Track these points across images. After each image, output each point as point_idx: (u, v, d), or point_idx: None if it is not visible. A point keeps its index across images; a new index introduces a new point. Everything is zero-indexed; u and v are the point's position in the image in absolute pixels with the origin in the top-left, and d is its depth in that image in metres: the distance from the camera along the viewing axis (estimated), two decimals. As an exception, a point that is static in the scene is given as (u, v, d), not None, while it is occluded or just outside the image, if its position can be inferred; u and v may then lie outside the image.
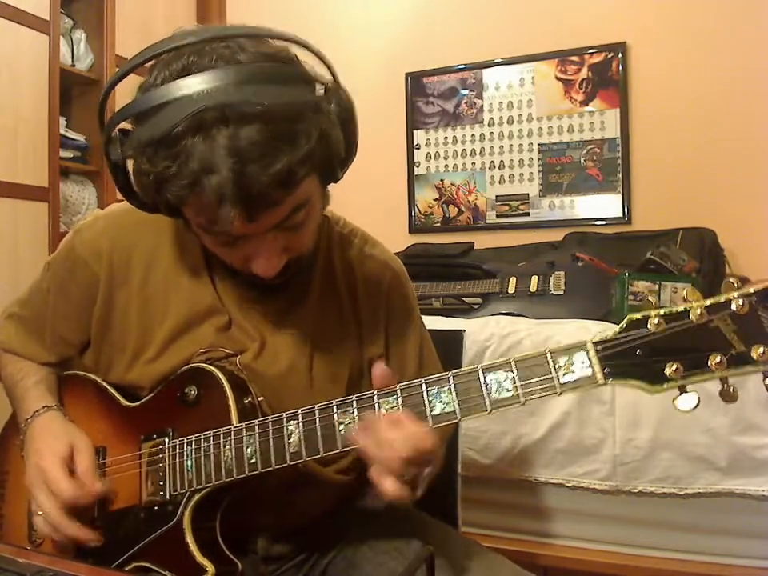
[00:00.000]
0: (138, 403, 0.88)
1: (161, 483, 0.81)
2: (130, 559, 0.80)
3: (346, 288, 0.93)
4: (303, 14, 3.33)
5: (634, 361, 0.63)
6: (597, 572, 1.74)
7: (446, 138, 3.17)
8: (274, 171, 0.64)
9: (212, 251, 0.81)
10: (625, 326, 0.64)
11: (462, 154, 3.14)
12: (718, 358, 0.60)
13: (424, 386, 0.70)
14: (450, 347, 1.15)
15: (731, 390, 0.62)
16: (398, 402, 0.70)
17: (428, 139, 3.21)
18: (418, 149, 3.23)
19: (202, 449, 0.79)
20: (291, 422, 0.74)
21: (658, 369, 0.62)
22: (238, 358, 0.86)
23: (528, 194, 3.02)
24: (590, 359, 0.64)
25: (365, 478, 0.72)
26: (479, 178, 3.11)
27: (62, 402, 0.93)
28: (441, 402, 0.69)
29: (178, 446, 0.81)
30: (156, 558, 0.79)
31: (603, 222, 2.88)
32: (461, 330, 1.24)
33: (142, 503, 0.82)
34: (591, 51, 2.90)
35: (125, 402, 0.89)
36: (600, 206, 2.89)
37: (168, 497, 0.80)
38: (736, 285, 0.60)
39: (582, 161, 2.92)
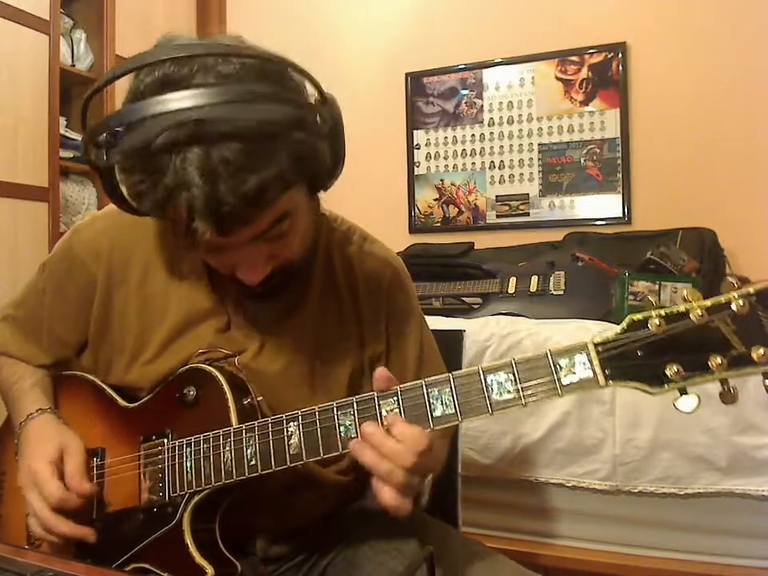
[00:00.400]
0: (136, 404, 0.88)
1: (160, 484, 0.81)
2: (129, 560, 0.80)
3: (346, 286, 0.93)
4: (303, 13, 3.33)
5: (634, 362, 0.63)
6: (597, 572, 1.74)
7: (445, 138, 3.17)
8: (243, 191, 0.64)
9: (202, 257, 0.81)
10: (625, 326, 0.64)
11: (461, 154, 3.14)
12: (719, 359, 0.60)
13: (424, 388, 0.69)
14: (450, 347, 1.15)
15: (731, 391, 0.61)
16: (398, 404, 0.70)
17: (428, 139, 3.21)
18: (418, 149, 3.23)
19: (202, 450, 0.79)
20: (291, 424, 0.74)
21: (658, 370, 0.62)
22: (236, 359, 0.86)
23: (528, 194, 3.02)
24: (590, 360, 0.64)
25: (364, 479, 0.72)
26: (479, 178, 3.11)
27: (61, 403, 0.93)
28: (441, 403, 0.69)
29: (177, 447, 0.81)
30: (155, 559, 0.79)
31: (603, 222, 2.88)
32: (461, 330, 1.24)
33: (142, 504, 0.82)
34: (591, 51, 2.90)
35: (124, 403, 0.89)
36: (600, 205, 2.89)
37: (167, 498, 0.80)
38: (736, 285, 0.60)
39: (582, 161, 2.92)
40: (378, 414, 0.71)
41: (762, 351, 0.59)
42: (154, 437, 0.84)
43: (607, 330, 0.64)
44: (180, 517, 0.78)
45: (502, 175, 3.06)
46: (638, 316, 0.63)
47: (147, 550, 0.80)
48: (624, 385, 0.63)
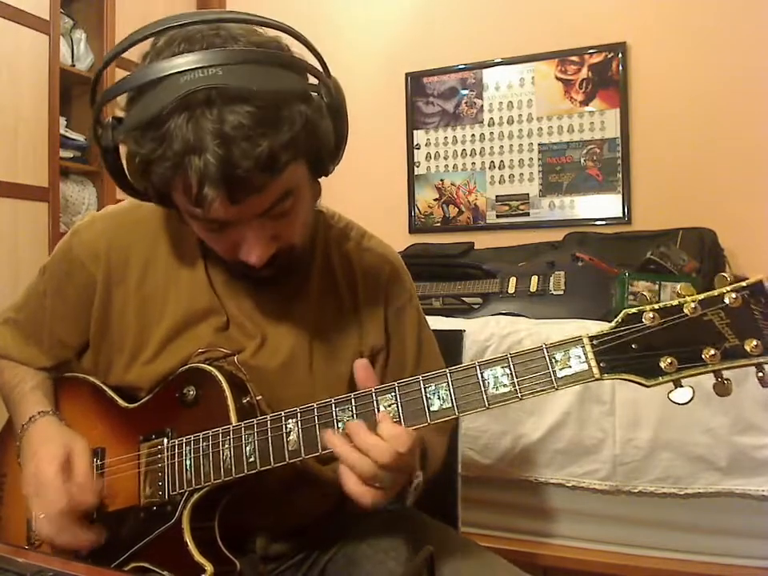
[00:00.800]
0: (136, 404, 0.88)
1: (160, 483, 0.81)
2: (128, 559, 0.80)
3: (345, 282, 0.93)
4: (303, 13, 3.33)
5: (629, 355, 0.63)
6: (597, 572, 1.75)
7: (445, 138, 3.17)
8: (256, 154, 0.64)
9: (204, 240, 0.81)
10: (620, 320, 0.64)
11: (462, 153, 3.14)
12: (712, 352, 0.61)
13: (422, 383, 0.70)
14: (450, 347, 1.15)
15: (725, 383, 0.62)
16: (396, 399, 0.70)
17: (428, 139, 3.21)
18: (418, 149, 3.23)
19: (201, 448, 0.79)
20: (290, 421, 0.74)
21: (653, 363, 0.63)
22: (236, 357, 0.86)
23: (528, 194, 3.02)
24: (585, 354, 0.65)
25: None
26: (479, 177, 3.11)
27: (61, 405, 0.93)
28: (439, 398, 0.69)
29: (176, 446, 0.81)
30: (155, 557, 0.79)
31: (603, 222, 2.88)
32: (461, 330, 1.24)
33: (141, 503, 0.82)
34: (591, 51, 2.90)
35: (123, 404, 0.89)
36: (600, 206, 2.89)
37: (167, 497, 0.80)
38: (729, 279, 0.61)
39: (582, 161, 2.92)
40: (376, 410, 0.71)
41: (754, 343, 0.60)
42: (153, 436, 0.84)
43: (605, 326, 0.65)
44: (179, 515, 0.78)
45: (501, 175, 3.07)
46: (633, 310, 0.64)
47: (147, 549, 0.80)
48: (619, 377, 0.64)
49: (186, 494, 0.79)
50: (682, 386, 0.63)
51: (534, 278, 2.31)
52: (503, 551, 0.92)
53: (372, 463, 0.67)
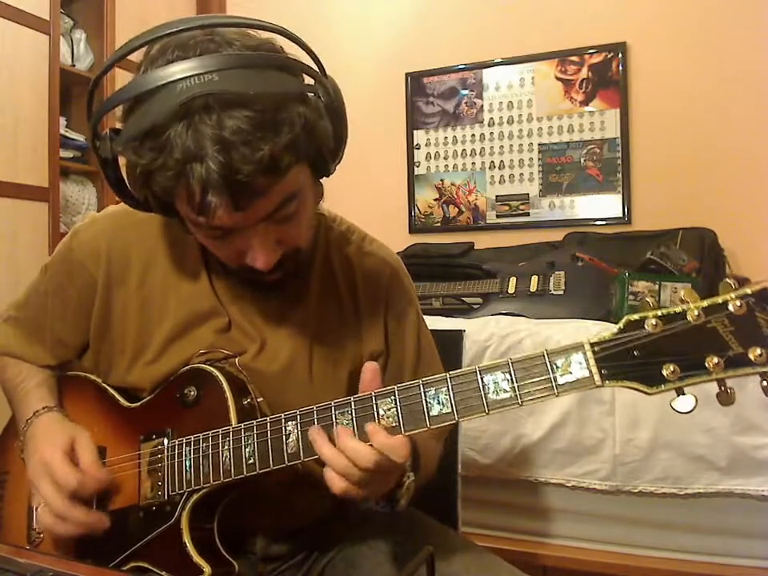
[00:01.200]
0: (137, 404, 0.88)
1: (159, 483, 0.81)
2: (127, 558, 0.80)
3: (345, 285, 0.93)
4: (303, 13, 3.33)
5: (631, 362, 0.63)
6: (597, 572, 1.75)
7: (445, 138, 3.17)
8: (257, 158, 0.64)
9: (207, 248, 0.81)
10: (622, 326, 0.63)
11: (461, 153, 3.14)
12: (716, 360, 0.60)
13: (422, 387, 0.69)
14: (449, 347, 1.15)
15: (728, 392, 0.61)
16: (395, 403, 0.70)
17: (428, 139, 3.21)
18: (418, 149, 3.23)
19: (201, 449, 0.79)
20: (289, 423, 0.74)
21: (655, 370, 0.62)
22: (237, 359, 0.86)
23: (528, 194, 3.02)
24: (587, 360, 0.64)
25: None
26: (479, 177, 3.11)
27: (63, 403, 0.93)
28: (438, 402, 0.68)
29: (177, 447, 0.81)
30: (153, 557, 0.79)
31: (603, 222, 2.88)
32: (461, 330, 1.24)
33: (141, 503, 0.82)
34: (591, 51, 2.90)
35: (124, 403, 0.89)
36: (600, 205, 2.89)
37: (166, 497, 0.80)
38: (733, 286, 0.60)
39: (582, 161, 2.92)
40: (376, 414, 0.71)
41: (759, 352, 0.58)
42: (154, 436, 0.84)
43: (607, 330, 0.64)
44: (179, 515, 0.78)
45: (502, 175, 3.07)
46: (635, 316, 0.63)
47: (146, 549, 0.80)
48: (620, 385, 0.63)
49: (186, 494, 0.79)
50: (684, 394, 0.62)
51: (534, 278, 2.31)
52: (503, 551, 0.92)
53: (352, 464, 0.68)
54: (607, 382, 0.63)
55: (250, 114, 0.64)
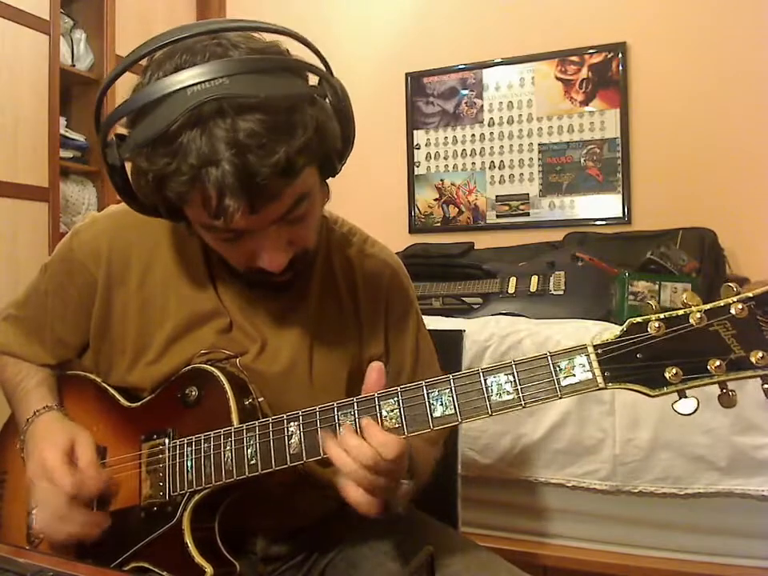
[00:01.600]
0: (138, 404, 0.88)
1: (160, 483, 0.81)
2: (128, 559, 0.80)
3: (346, 287, 0.93)
4: (303, 13, 3.33)
5: (634, 364, 0.63)
6: (597, 572, 1.75)
7: (445, 138, 3.17)
8: (273, 161, 0.64)
9: (216, 250, 0.80)
10: (625, 329, 0.64)
11: (461, 153, 3.14)
12: (717, 363, 0.60)
13: (425, 389, 0.69)
14: (450, 347, 1.15)
15: (730, 394, 0.62)
16: (398, 404, 0.70)
17: (428, 139, 3.21)
18: (418, 149, 3.23)
19: (202, 449, 0.79)
20: (292, 424, 0.74)
21: (657, 373, 0.62)
22: (238, 360, 0.86)
23: (528, 194, 3.02)
24: (590, 362, 0.64)
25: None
26: (479, 177, 3.11)
27: (63, 403, 0.93)
28: (441, 404, 0.69)
29: (178, 447, 0.81)
30: (155, 558, 0.79)
31: (603, 222, 2.88)
32: (461, 330, 1.24)
33: (142, 503, 0.82)
34: (591, 51, 2.90)
35: (125, 403, 0.89)
36: (600, 205, 2.90)
37: (167, 497, 0.80)
38: (735, 289, 0.60)
39: (582, 161, 2.92)
40: (379, 415, 0.71)
41: (760, 355, 0.59)
42: (155, 436, 0.84)
43: (607, 330, 0.64)
44: (180, 516, 0.78)
45: (502, 175, 3.07)
46: (638, 319, 0.63)
47: (147, 549, 0.80)
48: (623, 387, 0.64)
49: (187, 494, 0.79)
50: (686, 397, 0.62)
51: (534, 278, 2.31)
52: (503, 551, 0.92)
53: (357, 466, 0.68)
54: (610, 384, 0.64)
55: (264, 117, 0.64)
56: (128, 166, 0.72)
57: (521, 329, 1.90)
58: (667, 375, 0.62)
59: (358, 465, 0.68)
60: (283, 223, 0.73)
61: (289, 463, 0.74)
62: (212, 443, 0.78)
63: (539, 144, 2.99)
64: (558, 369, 0.65)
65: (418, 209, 3.24)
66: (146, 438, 0.85)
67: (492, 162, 3.08)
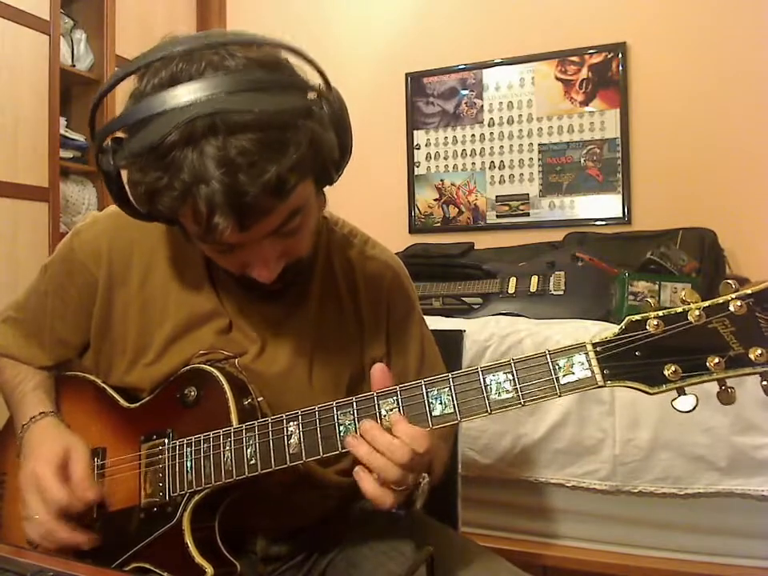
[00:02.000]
0: (137, 404, 0.88)
1: (160, 484, 0.81)
2: (129, 560, 0.80)
3: (346, 289, 0.93)
4: (303, 13, 3.33)
5: (633, 362, 0.63)
6: (597, 572, 1.75)
7: (446, 138, 3.17)
8: (264, 180, 0.64)
9: (212, 259, 0.81)
10: (624, 327, 0.64)
11: (461, 154, 3.14)
12: (716, 360, 0.60)
13: (424, 387, 0.69)
14: (450, 347, 1.15)
15: (729, 391, 0.62)
16: (397, 403, 0.70)
17: (428, 139, 3.21)
18: (418, 149, 3.23)
19: (202, 450, 0.79)
20: (291, 423, 0.74)
21: (656, 370, 0.62)
22: (237, 360, 0.86)
23: (528, 194, 3.02)
24: (589, 360, 0.64)
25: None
26: (479, 178, 3.11)
27: (62, 404, 0.93)
28: (441, 403, 0.69)
29: (177, 447, 0.81)
30: (155, 558, 0.79)
31: (603, 222, 2.88)
32: (461, 330, 1.24)
33: (142, 504, 0.82)
34: (591, 51, 2.90)
35: (124, 403, 0.89)
36: (600, 206, 2.89)
37: (167, 498, 0.80)
38: (734, 286, 0.60)
39: (582, 161, 2.92)
40: (378, 414, 0.71)
41: (759, 352, 0.59)
42: (154, 436, 0.84)
43: (607, 330, 0.64)
44: (180, 516, 0.78)
45: (502, 175, 3.07)
46: (637, 317, 0.63)
47: (147, 550, 0.80)
48: (622, 385, 0.64)
49: (187, 495, 0.79)
50: (685, 394, 0.62)
51: (534, 278, 2.31)
52: (503, 551, 0.92)
53: (392, 464, 0.67)
54: (609, 382, 0.64)
55: (256, 135, 0.64)
56: (124, 172, 0.72)
57: (521, 329, 1.90)
58: (666, 373, 0.62)
59: (390, 462, 0.67)
60: (276, 236, 0.72)
61: (288, 463, 0.74)
62: (211, 443, 0.78)
63: (539, 144, 2.99)
64: (556, 367, 0.65)
65: (418, 209, 3.24)
66: (145, 438, 0.85)
67: (492, 162, 3.08)
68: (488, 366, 0.68)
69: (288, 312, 0.90)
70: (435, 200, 3.21)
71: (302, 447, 0.73)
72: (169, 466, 0.81)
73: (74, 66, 2.86)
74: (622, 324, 0.64)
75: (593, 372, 0.64)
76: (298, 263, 0.80)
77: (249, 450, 0.76)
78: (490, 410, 0.67)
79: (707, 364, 0.60)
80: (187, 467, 0.79)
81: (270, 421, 0.76)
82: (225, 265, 0.79)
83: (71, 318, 0.92)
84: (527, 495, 1.84)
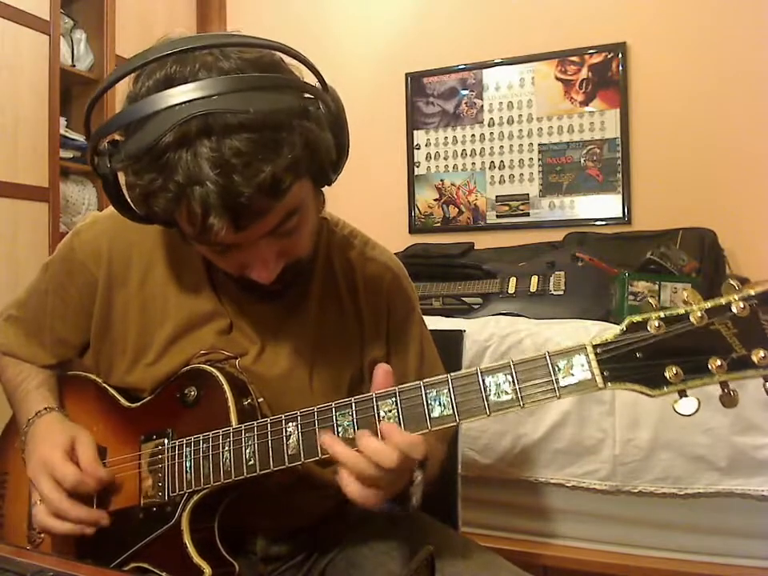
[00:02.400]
0: (138, 404, 0.88)
1: (160, 484, 0.81)
2: (128, 559, 0.81)
3: (347, 290, 0.93)
4: (303, 13, 3.33)
5: (633, 364, 0.62)
6: (597, 572, 1.75)
7: (446, 138, 3.17)
8: (258, 181, 0.64)
9: (210, 260, 0.81)
10: (625, 328, 0.63)
11: (462, 154, 3.14)
12: (719, 362, 0.59)
13: (423, 389, 0.69)
14: (450, 347, 1.15)
15: (731, 394, 0.61)
16: (396, 405, 0.70)
17: (428, 139, 3.21)
18: (418, 149, 3.23)
19: (201, 450, 0.79)
20: (290, 424, 0.74)
21: (657, 372, 0.61)
22: (237, 361, 0.86)
23: (528, 194, 3.02)
24: (589, 362, 0.63)
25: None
26: (479, 178, 3.11)
27: (63, 403, 0.93)
28: (439, 404, 0.68)
29: (177, 447, 0.81)
30: (154, 558, 0.79)
31: (603, 222, 2.88)
32: (461, 330, 1.24)
33: (141, 504, 0.82)
34: (591, 51, 2.90)
35: (125, 403, 0.89)
36: (600, 206, 2.89)
37: (167, 497, 0.80)
38: (736, 287, 0.59)
39: (582, 161, 2.92)
40: (376, 415, 0.70)
41: (762, 354, 0.58)
42: (154, 436, 0.84)
43: (607, 330, 0.64)
44: (179, 516, 0.78)
45: (502, 175, 3.06)
46: (638, 318, 0.62)
47: (146, 549, 0.80)
48: (622, 387, 0.63)
49: (186, 495, 0.79)
50: (687, 396, 0.61)
51: (534, 278, 2.31)
52: (503, 551, 0.92)
53: (374, 466, 0.67)
54: (609, 384, 0.63)
55: (250, 136, 0.63)
56: (121, 175, 0.72)
57: (521, 329, 1.90)
58: (667, 375, 0.61)
59: (374, 466, 0.67)
60: (273, 237, 0.72)
61: (287, 463, 0.74)
62: (210, 443, 0.78)
63: (539, 144, 2.99)
64: (556, 369, 0.64)
65: (418, 209, 3.24)
66: (145, 438, 0.85)
67: (492, 162, 3.08)
68: (487, 368, 0.67)
69: (288, 313, 0.90)
70: (435, 200, 3.21)
71: (301, 448, 0.73)
72: (168, 465, 0.81)
73: (74, 66, 2.86)
74: (623, 325, 0.63)
75: (593, 374, 0.63)
76: (297, 264, 0.80)
77: (248, 451, 0.76)
78: (489, 412, 0.66)
79: (709, 366, 0.59)
80: (186, 467, 0.79)
81: (268, 421, 0.76)
82: (223, 266, 0.79)
83: (71, 317, 0.92)
84: (527, 495, 1.84)
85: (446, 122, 3.17)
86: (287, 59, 0.73)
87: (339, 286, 0.93)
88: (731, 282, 0.60)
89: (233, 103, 0.64)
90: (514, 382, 0.66)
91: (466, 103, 3.13)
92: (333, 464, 0.88)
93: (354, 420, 0.71)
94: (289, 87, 0.70)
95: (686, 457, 1.67)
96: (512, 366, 0.66)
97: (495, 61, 3.07)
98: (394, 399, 0.70)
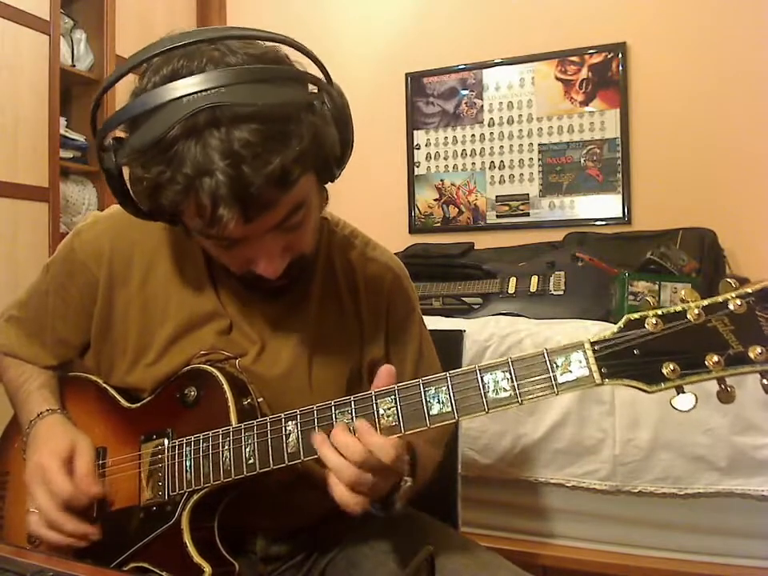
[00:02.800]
0: (138, 404, 0.88)
1: (160, 483, 0.81)
2: (128, 559, 0.81)
3: (347, 290, 0.93)
4: (303, 13, 3.33)
5: (631, 361, 0.63)
6: (596, 572, 1.75)
7: (446, 138, 3.17)
8: (267, 171, 0.64)
9: (213, 256, 0.81)
10: (622, 325, 0.63)
11: (462, 154, 3.14)
12: (716, 358, 0.60)
13: (421, 387, 0.69)
14: (449, 347, 1.15)
15: (728, 390, 0.61)
16: (395, 402, 0.70)
17: (428, 139, 3.21)
18: (418, 149, 3.23)
19: (201, 449, 0.79)
20: (289, 423, 0.74)
21: (655, 369, 0.62)
22: (237, 361, 0.86)
23: (528, 194, 3.02)
24: (587, 359, 0.64)
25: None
26: (479, 178, 3.11)
27: (64, 404, 0.93)
28: (438, 402, 0.68)
29: (177, 447, 0.81)
30: (154, 558, 0.79)
31: (603, 222, 2.88)
32: (461, 330, 1.24)
33: (141, 503, 0.82)
34: (591, 51, 2.90)
35: (125, 403, 0.89)
36: (600, 206, 2.90)
37: (167, 497, 0.80)
38: (734, 285, 0.60)
39: (582, 161, 2.92)
40: (376, 413, 0.71)
41: (759, 350, 0.59)
42: (154, 436, 0.84)
43: (607, 330, 0.64)
44: (179, 516, 0.79)
45: (502, 175, 3.07)
46: (635, 315, 0.63)
47: (146, 549, 0.80)
48: (620, 383, 0.63)
49: (186, 494, 0.79)
50: (684, 393, 0.62)
51: (534, 278, 2.31)
52: (503, 551, 0.92)
53: (347, 464, 0.68)
54: (607, 380, 0.63)
55: (259, 127, 0.64)
56: (125, 170, 0.72)
57: (521, 329, 1.90)
58: (665, 371, 0.61)
59: (346, 462, 0.68)
60: (280, 231, 0.72)
61: (287, 462, 0.74)
62: (210, 443, 0.78)
63: (539, 144, 2.99)
64: (554, 365, 0.65)
65: (418, 209, 3.24)
66: (145, 438, 0.85)
67: (492, 162, 3.08)
68: (486, 365, 0.67)
69: (288, 313, 0.90)
70: (435, 200, 3.21)
71: (300, 446, 0.73)
72: (168, 465, 0.81)
73: (74, 65, 2.87)
74: (621, 322, 0.64)
75: (590, 370, 0.64)
76: (301, 260, 0.80)
77: (247, 450, 0.76)
78: (488, 409, 0.67)
79: (706, 362, 0.60)
80: (186, 467, 0.79)
81: (268, 420, 0.76)
82: (227, 262, 0.79)
83: (72, 317, 0.92)
84: (527, 495, 1.84)
85: (446, 122, 3.17)
86: (292, 56, 0.73)
87: (340, 286, 0.93)
88: (728, 280, 0.61)
89: (240, 95, 0.64)
90: (512, 378, 0.66)
91: (465, 103, 3.13)
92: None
93: (353, 418, 0.71)
94: (295, 81, 0.71)
95: (686, 457, 1.67)
96: (510, 364, 0.66)
97: (495, 61, 3.07)
98: (393, 397, 0.70)
